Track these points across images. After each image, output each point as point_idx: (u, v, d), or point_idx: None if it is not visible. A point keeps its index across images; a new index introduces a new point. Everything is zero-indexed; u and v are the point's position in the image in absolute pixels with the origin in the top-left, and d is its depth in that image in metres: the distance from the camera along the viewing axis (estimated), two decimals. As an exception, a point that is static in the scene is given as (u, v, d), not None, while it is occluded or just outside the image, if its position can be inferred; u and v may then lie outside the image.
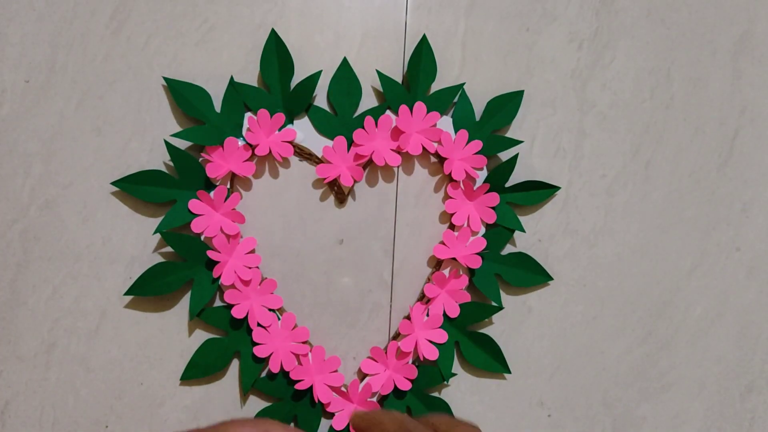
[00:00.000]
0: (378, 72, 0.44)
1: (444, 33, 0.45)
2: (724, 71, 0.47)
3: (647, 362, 0.47)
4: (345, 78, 0.43)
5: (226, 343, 0.43)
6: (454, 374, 0.45)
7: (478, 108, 0.45)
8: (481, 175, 0.45)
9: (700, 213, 0.48)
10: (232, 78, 0.43)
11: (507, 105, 0.45)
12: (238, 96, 0.43)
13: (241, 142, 0.43)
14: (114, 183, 0.42)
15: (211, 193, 0.42)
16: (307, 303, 0.45)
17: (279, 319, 0.43)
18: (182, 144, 0.43)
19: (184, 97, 0.43)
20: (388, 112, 0.44)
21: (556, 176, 0.46)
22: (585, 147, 0.47)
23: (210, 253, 0.42)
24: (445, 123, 0.45)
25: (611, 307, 0.47)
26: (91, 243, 0.43)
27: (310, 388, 0.43)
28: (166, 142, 0.42)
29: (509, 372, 0.45)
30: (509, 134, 0.46)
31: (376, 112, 0.44)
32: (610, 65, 0.46)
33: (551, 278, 0.46)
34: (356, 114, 0.44)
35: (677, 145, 0.47)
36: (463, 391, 0.47)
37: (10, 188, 0.43)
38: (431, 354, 0.44)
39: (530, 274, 0.46)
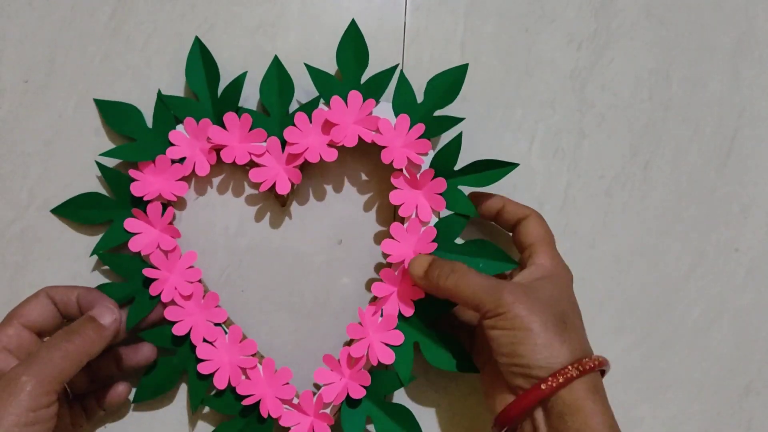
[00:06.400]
0: (306, 65, 0.42)
1: (443, 34, 0.45)
2: (724, 72, 0.47)
3: (646, 362, 0.47)
4: (276, 77, 0.42)
5: (174, 363, 0.41)
6: (414, 378, 0.42)
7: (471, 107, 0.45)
8: (427, 161, 0.42)
9: (698, 214, 0.48)
10: (159, 92, 0.42)
11: (449, 81, 0.42)
12: (167, 110, 0.42)
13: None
14: (53, 211, 0.43)
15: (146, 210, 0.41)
16: (301, 308, 0.45)
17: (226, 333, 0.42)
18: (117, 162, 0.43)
19: (112, 115, 0.42)
20: (321, 105, 0.42)
21: (554, 177, 0.46)
22: (584, 148, 0.47)
23: (146, 271, 0.40)
24: (386, 110, 0.42)
25: (610, 307, 0.47)
26: (91, 243, 0.43)
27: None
28: (98, 162, 0.42)
29: (477, 371, 0.41)
30: (503, 133, 0.46)
31: (308, 108, 0.42)
32: (609, 66, 0.46)
33: (516, 264, 0.42)
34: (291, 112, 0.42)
35: (676, 145, 0.47)
36: (459, 394, 0.46)
37: (9, 188, 0.43)
38: (387, 358, 0.41)
39: (493, 261, 0.42)
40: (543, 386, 0.34)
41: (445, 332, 0.42)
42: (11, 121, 0.43)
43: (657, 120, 0.47)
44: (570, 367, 0.34)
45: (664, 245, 0.47)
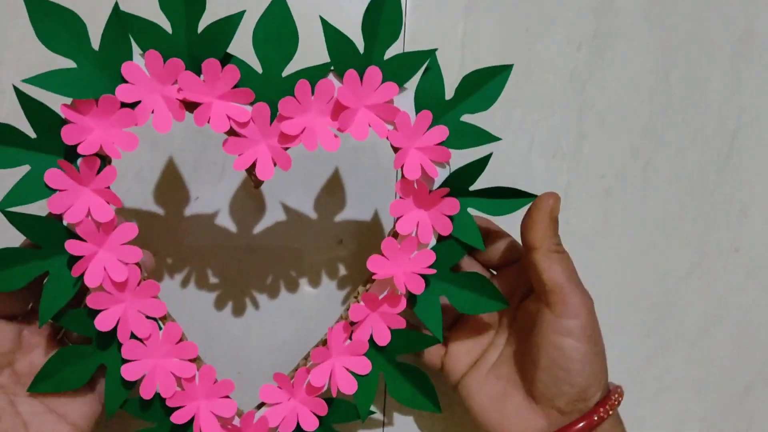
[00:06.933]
0: (321, 19, 0.32)
1: (443, 34, 0.45)
2: (723, 72, 0.47)
3: (646, 363, 0.47)
4: (277, 21, 0.31)
5: (87, 354, 0.33)
6: (373, 412, 0.37)
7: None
8: (441, 174, 0.34)
9: (699, 214, 0.48)
10: (116, 5, 0.30)
11: (488, 82, 0.34)
12: (125, 32, 0.30)
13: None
14: None
15: (77, 163, 0.31)
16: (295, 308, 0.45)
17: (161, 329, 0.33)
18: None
19: (44, 22, 0.30)
20: (330, 76, 0.32)
21: (554, 177, 0.46)
22: (584, 148, 0.47)
23: (70, 245, 0.31)
24: (405, 100, 0.33)
25: (611, 307, 0.47)
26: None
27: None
28: (16, 89, 0.30)
29: (439, 411, 0.37)
30: (503, 133, 0.46)
31: (313, 74, 0.32)
32: (609, 66, 0.46)
33: (506, 305, 0.36)
34: (287, 73, 0.32)
35: (676, 146, 0.47)
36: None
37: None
38: (348, 387, 0.35)
39: (482, 298, 0.35)
40: (595, 417, 0.32)
41: (414, 367, 0.36)
42: (11, 121, 0.43)
43: (657, 120, 0.47)
44: (613, 397, 0.33)
45: (664, 245, 0.47)
